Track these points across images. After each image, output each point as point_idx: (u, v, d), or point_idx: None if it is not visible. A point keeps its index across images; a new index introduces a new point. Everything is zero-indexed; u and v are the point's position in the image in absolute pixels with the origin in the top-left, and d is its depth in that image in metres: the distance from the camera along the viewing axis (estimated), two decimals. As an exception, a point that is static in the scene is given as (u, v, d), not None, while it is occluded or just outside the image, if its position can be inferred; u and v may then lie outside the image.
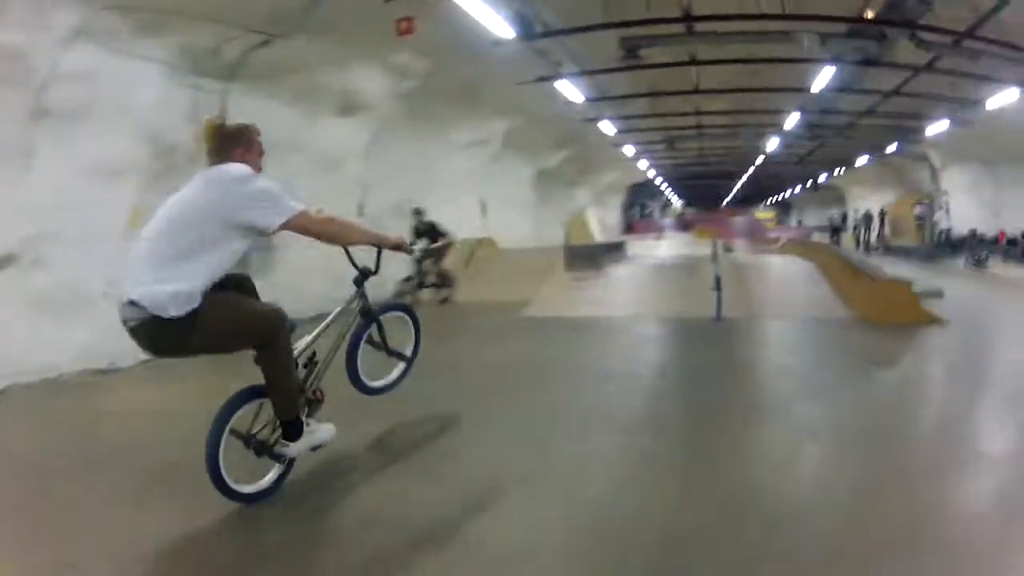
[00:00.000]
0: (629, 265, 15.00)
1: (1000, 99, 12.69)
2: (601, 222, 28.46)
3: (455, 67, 11.58)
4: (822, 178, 33.10)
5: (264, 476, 3.32)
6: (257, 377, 3.21)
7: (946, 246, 19.19)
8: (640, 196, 43.75)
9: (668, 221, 46.22)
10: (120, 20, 6.64)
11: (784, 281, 11.76)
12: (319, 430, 3.47)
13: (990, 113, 13.85)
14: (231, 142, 3.17)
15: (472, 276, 12.52)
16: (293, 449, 3.31)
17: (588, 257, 13.34)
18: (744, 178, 37.26)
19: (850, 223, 31.65)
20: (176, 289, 2.81)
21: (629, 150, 23.91)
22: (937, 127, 16.60)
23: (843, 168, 28.04)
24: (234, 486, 3.15)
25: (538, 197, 22.62)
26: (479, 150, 16.68)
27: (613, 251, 16.28)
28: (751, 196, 48.17)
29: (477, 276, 12.56)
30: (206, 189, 3.00)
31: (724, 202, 51.47)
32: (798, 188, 41.08)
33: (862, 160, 24.70)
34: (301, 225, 3.08)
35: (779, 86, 14.26)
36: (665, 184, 41.40)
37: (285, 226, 3.03)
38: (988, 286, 13.45)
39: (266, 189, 3.02)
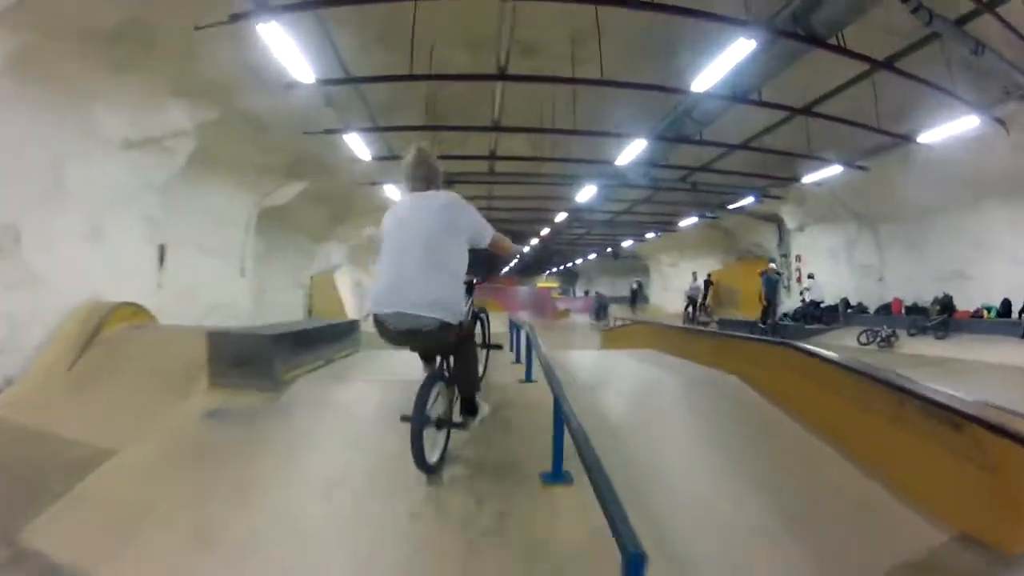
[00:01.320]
0: (350, 379, 6.14)
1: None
2: (359, 287, 22.45)
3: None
4: (627, 243, 30.27)
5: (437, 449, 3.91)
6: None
7: (809, 319, 16.01)
8: None
9: None
10: None
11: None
12: (483, 407, 4.28)
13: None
14: (438, 173, 3.96)
15: (77, 381, 6.77)
16: (473, 421, 4.16)
17: (258, 360, 5.58)
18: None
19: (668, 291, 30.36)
20: (454, 298, 3.64)
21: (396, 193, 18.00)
22: (814, 176, 14.57)
23: (658, 231, 25.92)
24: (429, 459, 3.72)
25: (265, 247, 16.02)
26: (153, 156, 10.70)
27: (327, 341, 6.96)
28: (537, 263, 45.21)
29: (84, 383, 6.63)
30: (445, 211, 3.72)
31: (504, 270, 48.36)
32: (592, 255, 38.34)
33: (688, 221, 22.40)
34: (495, 242, 4.01)
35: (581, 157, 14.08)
36: None
37: (491, 243, 3.97)
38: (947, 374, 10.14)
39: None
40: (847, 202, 16.69)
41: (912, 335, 14.15)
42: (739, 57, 7.85)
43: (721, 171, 14.94)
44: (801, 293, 17.87)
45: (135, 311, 8.82)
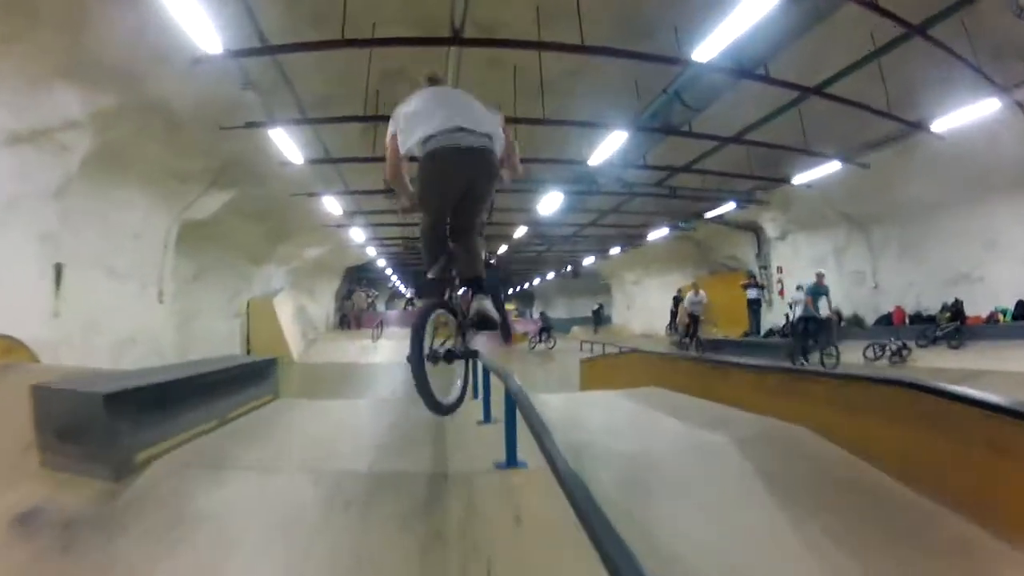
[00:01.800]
0: (241, 462, 3.67)
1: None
2: (302, 313, 20.35)
3: None
4: (589, 261, 28.72)
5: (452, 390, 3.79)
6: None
7: (803, 336, 14.61)
8: (362, 282, 36.25)
9: (394, 313, 38.72)
10: None
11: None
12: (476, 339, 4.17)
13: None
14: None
15: None
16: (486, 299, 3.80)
17: (92, 428, 3.38)
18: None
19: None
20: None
21: (337, 209, 16.12)
22: (807, 175, 13.44)
23: (625, 245, 24.53)
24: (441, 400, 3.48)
25: (194, 269, 13.90)
26: (43, 153, 8.89)
27: (219, 391, 4.58)
28: (492, 286, 43.66)
29: None
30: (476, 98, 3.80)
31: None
32: (550, 275, 36.74)
33: (658, 233, 20.91)
34: (509, 144, 3.89)
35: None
36: (392, 271, 35.92)
37: (506, 143, 3.82)
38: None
39: None
40: (837, 204, 15.49)
41: (922, 346, 12.84)
42: (757, 15, 6.40)
43: (704, 171, 13.51)
44: (791, 307, 16.51)
45: (7, 346, 6.59)
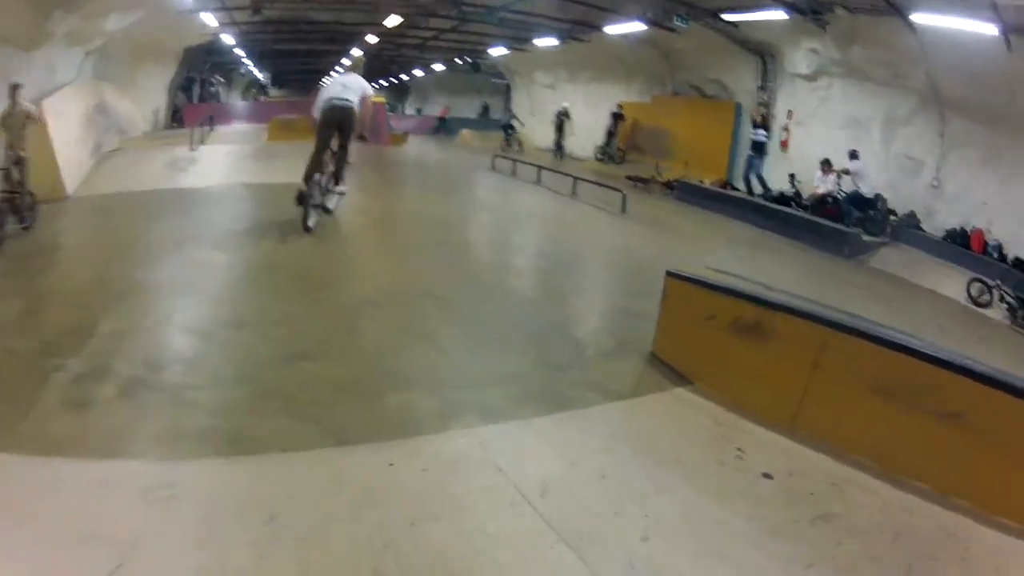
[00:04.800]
0: None
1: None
2: (97, 115, 13.86)
3: None
4: (498, 52, 22.75)
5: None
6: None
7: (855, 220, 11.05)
8: (204, 68, 27.90)
9: (244, 105, 31.30)
10: None
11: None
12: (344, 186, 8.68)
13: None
14: (359, 66, 9.18)
15: None
16: (340, 188, 8.52)
17: None
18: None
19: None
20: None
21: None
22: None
23: (563, 37, 18.72)
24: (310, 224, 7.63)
25: None
26: None
27: None
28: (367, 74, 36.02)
29: None
30: (355, 80, 8.16)
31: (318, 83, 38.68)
32: (438, 66, 30.04)
33: (622, 27, 15.58)
34: (364, 100, 8.02)
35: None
36: (247, 54, 27.96)
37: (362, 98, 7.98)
38: None
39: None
40: (935, 65, 11.03)
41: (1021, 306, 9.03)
42: None
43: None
44: (839, 176, 12.45)
45: None
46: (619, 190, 12.08)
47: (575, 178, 13.41)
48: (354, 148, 8.51)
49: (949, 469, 3.41)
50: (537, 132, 24.84)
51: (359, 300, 5.80)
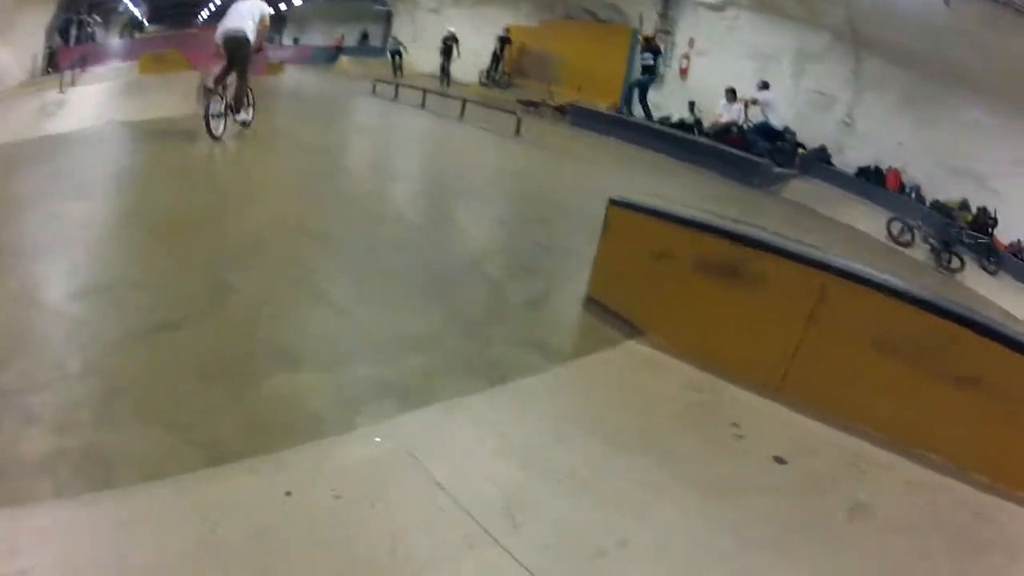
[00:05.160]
0: None
1: None
2: None
3: None
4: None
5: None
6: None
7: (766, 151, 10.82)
8: (82, 8, 24.69)
9: (120, 44, 28.32)
10: None
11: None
12: (250, 112, 8.70)
13: None
14: None
15: None
16: (241, 116, 8.49)
17: None
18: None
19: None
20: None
21: None
22: None
23: None
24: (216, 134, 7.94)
25: None
26: None
27: None
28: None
29: None
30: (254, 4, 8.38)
31: (200, 19, 35.42)
32: None
33: None
34: (262, 20, 8.34)
35: None
36: None
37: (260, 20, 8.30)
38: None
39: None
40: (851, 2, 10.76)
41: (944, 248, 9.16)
42: None
43: None
44: (746, 106, 12.01)
45: None
46: (513, 112, 11.39)
47: (464, 101, 12.45)
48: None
49: (967, 439, 2.93)
50: (421, 58, 23.37)
51: (234, 247, 4.56)
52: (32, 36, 18.46)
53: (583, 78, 15.52)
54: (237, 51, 8.04)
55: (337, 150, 9.37)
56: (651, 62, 13.89)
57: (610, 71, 15.46)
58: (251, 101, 8.63)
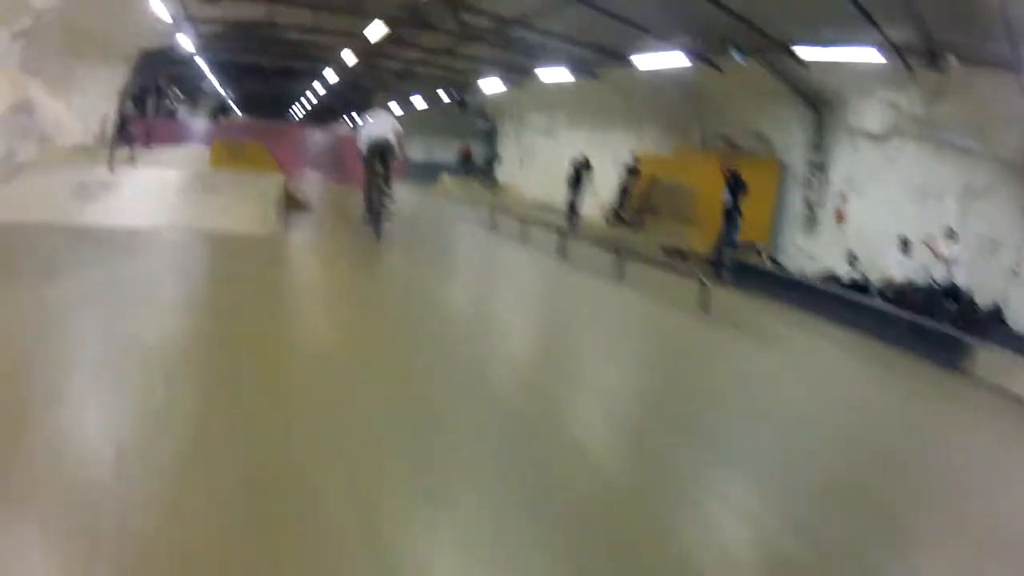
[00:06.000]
0: None
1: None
2: (24, 111, 11.33)
3: None
4: (491, 85, 20.45)
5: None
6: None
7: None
8: (162, 78, 24.21)
9: (200, 124, 26.89)
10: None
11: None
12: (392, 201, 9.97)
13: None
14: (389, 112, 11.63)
15: None
16: (389, 203, 9.73)
17: None
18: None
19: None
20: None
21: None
22: None
23: (579, 69, 16.08)
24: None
25: None
26: None
27: None
28: (332, 108, 33.40)
29: None
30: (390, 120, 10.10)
31: (292, 112, 36.28)
32: (417, 99, 27.15)
33: (653, 60, 13.31)
34: (399, 140, 9.79)
35: None
36: (211, 69, 25.00)
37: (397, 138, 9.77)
38: None
39: None
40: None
41: None
42: None
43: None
44: (940, 260, 10.12)
45: None
46: (700, 279, 8.36)
47: (617, 251, 9.95)
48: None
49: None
50: (530, 184, 22.37)
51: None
52: (100, 96, 17.47)
53: (707, 211, 13.48)
54: (385, 152, 9.54)
55: (479, 322, 6.94)
56: (729, 204, 12.15)
57: (754, 213, 13.28)
58: (391, 204, 9.89)
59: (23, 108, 12.03)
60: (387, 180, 9.63)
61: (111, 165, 11.94)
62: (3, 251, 6.62)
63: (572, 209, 17.13)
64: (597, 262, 10.01)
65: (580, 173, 17.28)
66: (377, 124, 9.70)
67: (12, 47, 11.61)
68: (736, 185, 11.98)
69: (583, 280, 9.68)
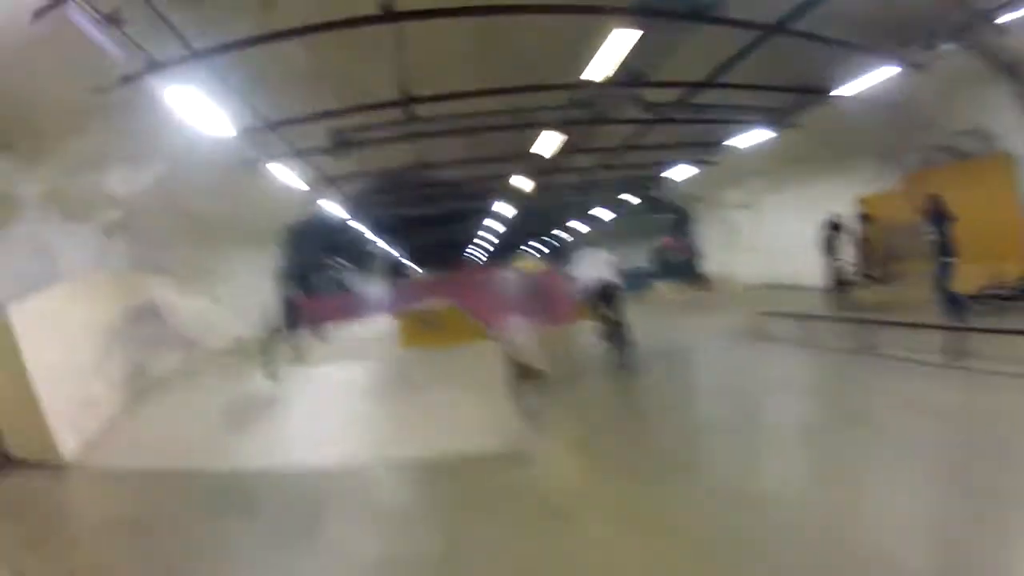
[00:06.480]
0: None
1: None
2: (147, 316, 10.85)
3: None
4: (678, 172, 18.97)
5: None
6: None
7: None
8: (319, 250, 23.36)
9: (379, 292, 24.77)
10: None
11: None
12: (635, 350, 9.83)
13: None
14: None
15: None
16: (632, 349, 9.73)
17: None
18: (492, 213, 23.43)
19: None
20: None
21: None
22: None
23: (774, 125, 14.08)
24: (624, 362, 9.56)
25: None
26: None
27: None
28: (506, 242, 31.38)
29: None
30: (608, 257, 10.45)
31: (472, 256, 35.66)
32: (598, 209, 26.01)
33: (855, 84, 11.46)
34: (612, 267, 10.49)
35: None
36: (371, 229, 23.78)
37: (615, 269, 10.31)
38: None
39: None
40: None
41: None
42: None
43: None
44: None
45: None
46: None
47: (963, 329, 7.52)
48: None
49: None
50: (739, 266, 20.17)
51: None
52: (250, 281, 16.11)
53: (974, 242, 10.18)
54: (609, 295, 9.58)
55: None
56: (934, 235, 9.69)
57: (997, 225, 11.01)
58: (631, 337, 9.63)
59: (146, 313, 10.94)
60: (620, 318, 9.60)
61: (273, 370, 10.73)
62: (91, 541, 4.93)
63: (839, 282, 13.84)
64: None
65: (832, 236, 14.06)
66: (592, 266, 9.89)
67: (108, 244, 10.57)
68: (939, 216, 9.64)
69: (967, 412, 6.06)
